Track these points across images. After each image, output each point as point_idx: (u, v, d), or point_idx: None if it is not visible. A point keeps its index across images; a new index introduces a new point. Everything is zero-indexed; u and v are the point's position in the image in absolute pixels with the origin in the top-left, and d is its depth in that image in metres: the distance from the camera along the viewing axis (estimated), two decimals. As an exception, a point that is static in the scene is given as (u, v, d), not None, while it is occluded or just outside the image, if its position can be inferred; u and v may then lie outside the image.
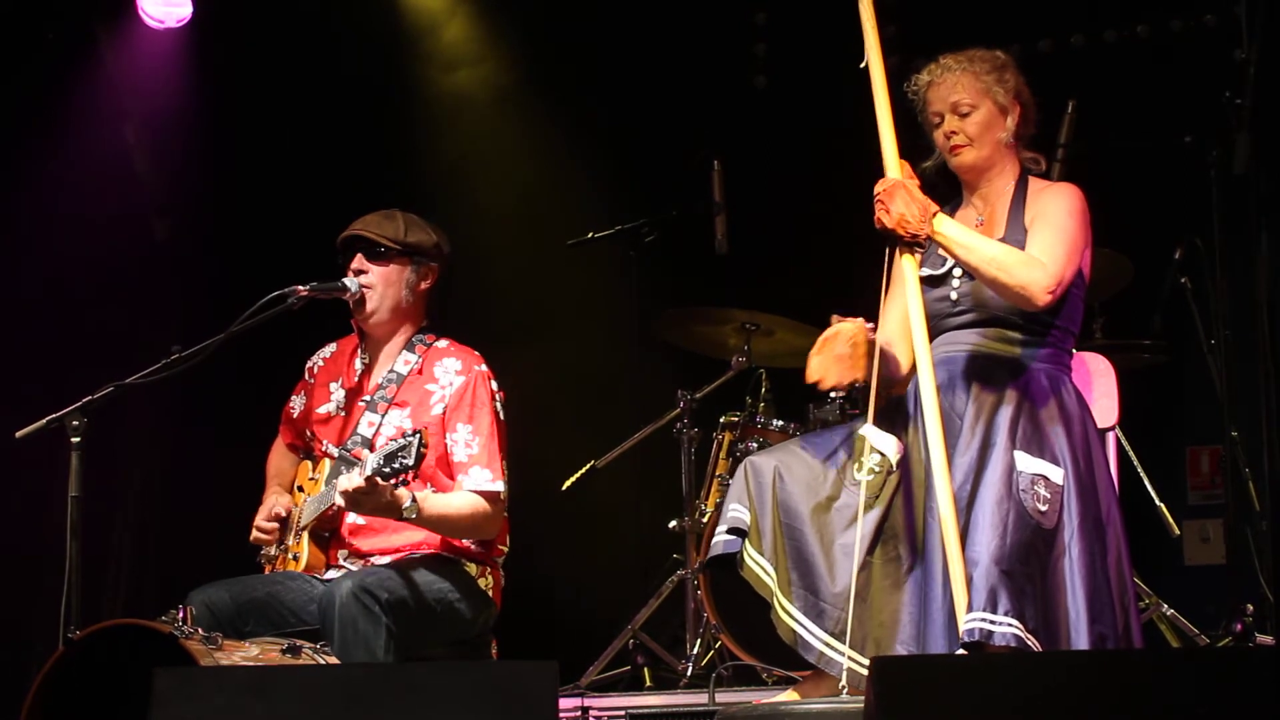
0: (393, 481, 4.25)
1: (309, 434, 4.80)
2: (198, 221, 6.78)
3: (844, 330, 4.05)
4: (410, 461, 4.20)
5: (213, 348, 4.50)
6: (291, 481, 4.82)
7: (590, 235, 6.27)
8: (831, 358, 4.03)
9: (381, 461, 4.23)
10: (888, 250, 4.11)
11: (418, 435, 4.21)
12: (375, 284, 4.67)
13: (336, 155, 6.73)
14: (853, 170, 4.39)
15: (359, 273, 4.67)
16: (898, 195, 3.99)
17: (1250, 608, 5.14)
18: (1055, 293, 3.99)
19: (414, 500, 4.35)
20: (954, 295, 4.15)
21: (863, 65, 4.11)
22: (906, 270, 4.04)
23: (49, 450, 4.65)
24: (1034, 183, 4.24)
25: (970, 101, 4.18)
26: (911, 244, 4.02)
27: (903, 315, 4.14)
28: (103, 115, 6.61)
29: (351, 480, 4.26)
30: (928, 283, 4.12)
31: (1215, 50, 5.83)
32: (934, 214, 3.99)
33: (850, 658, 3.91)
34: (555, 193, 7.01)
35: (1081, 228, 4.11)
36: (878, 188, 4.03)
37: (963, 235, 4.01)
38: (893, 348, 4.19)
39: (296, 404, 4.89)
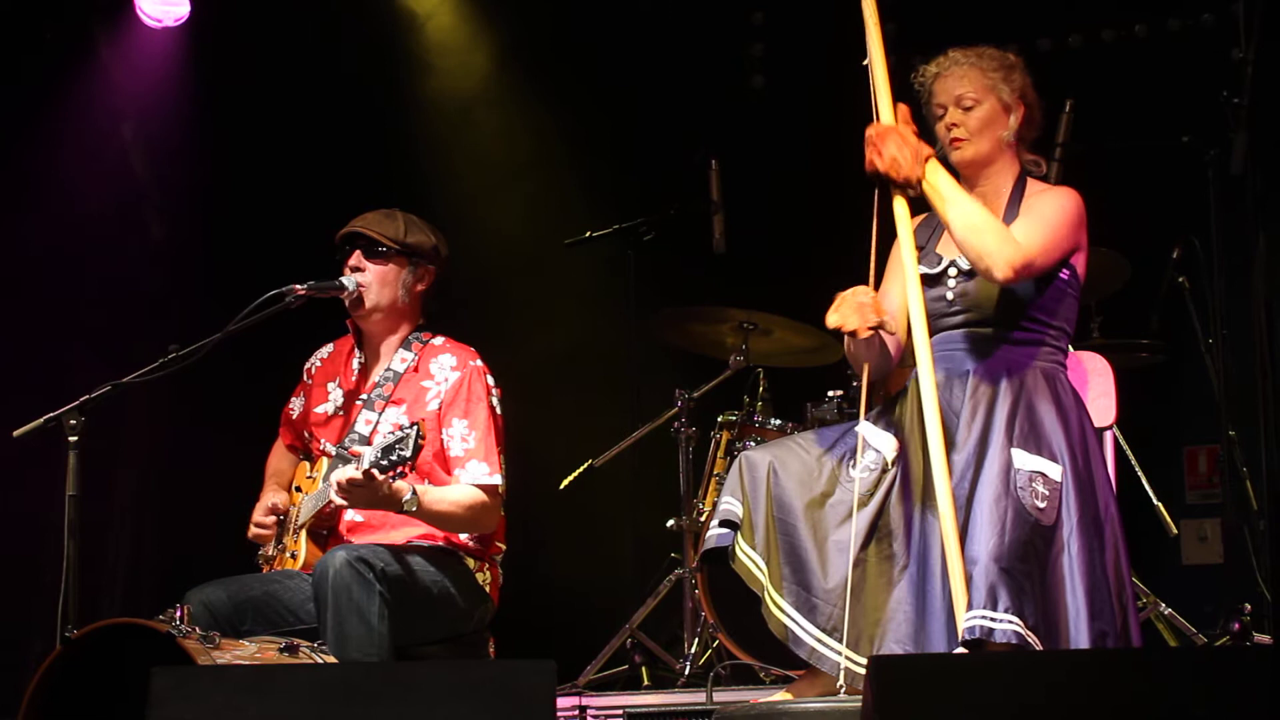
0: (390, 474, 4.26)
1: (307, 434, 4.80)
2: (196, 220, 6.78)
3: (860, 287, 4.04)
4: (408, 454, 4.20)
5: (210, 346, 4.50)
6: (290, 481, 4.82)
7: (588, 235, 6.28)
8: (853, 304, 4.00)
9: (379, 454, 4.24)
10: (875, 241, 4.10)
11: (415, 428, 4.22)
12: (371, 283, 4.67)
13: (335, 154, 6.73)
14: (851, 170, 4.39)
15: (356, 270, 4.68)
16: (890, 138, 3.98)
17: (1248, 607, 5.15)
18: (1019, 272, 3.96)
19: (414, 493, 4.36)
20: (950, 295, 4.14)
21: (865, 63, 4.10)
22: (898, 213, 4.01)
23: (47, 449, 4.64)
24: (1032, 184, 4.22)
25: (974, 96, 4.17)
26: (904, 188, 4.00)
27: (897, 307, 4.15)
28: (101, 114, 6.61)
29: (347, 473, 4.26)
30: (924, 282, 4.11)
31: (1213, 50, 5.84)
32: (927, 157, 3.99)
33: (842, 654, 3.91)
34: (554, 192, 7.01)
35: (1069, 228, 4.09)
36: (870, 130, 4.01)
37: (950, 189, 4.00)
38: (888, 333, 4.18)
39: (295, 405, 4.89)
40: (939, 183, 4.00)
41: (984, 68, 4.18)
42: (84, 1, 6.61)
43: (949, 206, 3.99)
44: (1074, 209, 4.12)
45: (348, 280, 4.66)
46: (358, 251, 4.69)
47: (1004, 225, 4.02)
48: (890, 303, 4.18)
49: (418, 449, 4.22)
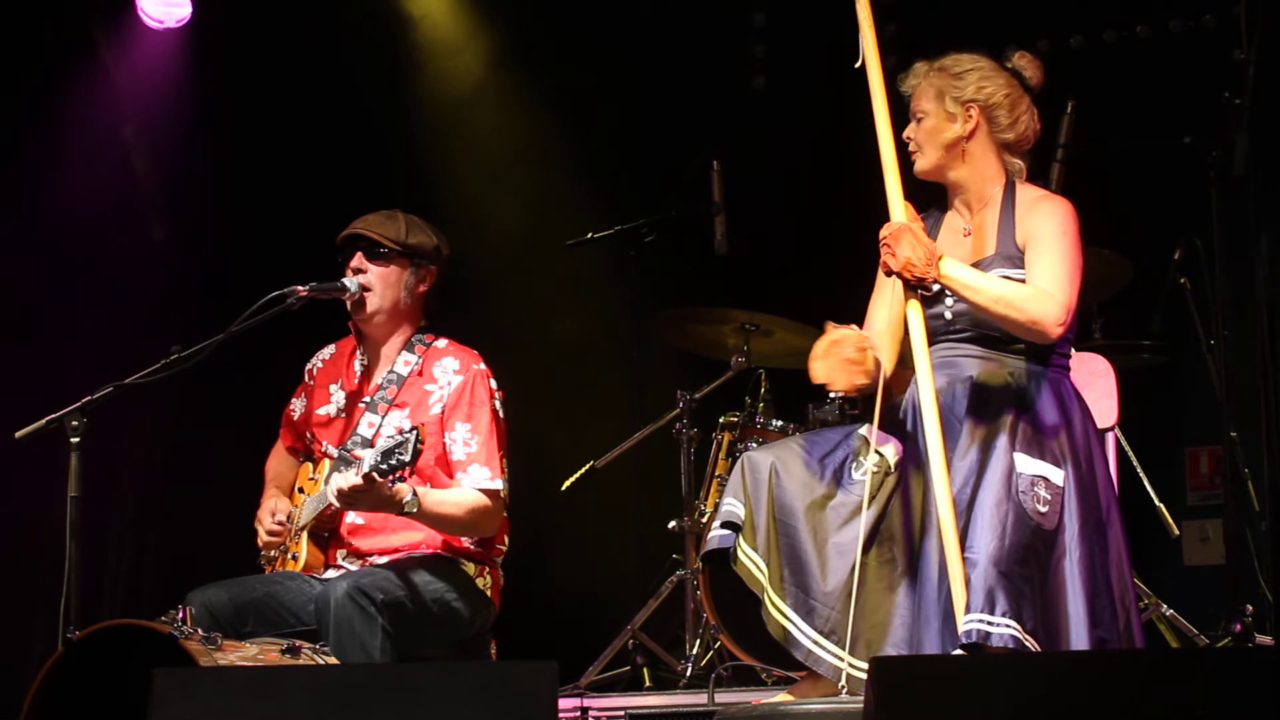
0: (390, 478, 4.26)
1: (309, 436, 4.80)
2: (197, 221, 6.78)
3: (849, 336, 4.04)
4: (407, 458, 4.20)
5: (212, 348, 4.50)
6: (291, 484, 4.82)
7: (590, 236, 6.27)
8: (839, 361, 4.01)
9: (379, 459, 4.24)
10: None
11: (414, 432, 4.22)
12: (374, 284, 4.67)
13: (336, 155, 6.73)
14: (851, 171, 4.39)
15: (358, 271, 4.67)
16: (904, 239, 3.96)
17: (1249, 608, 5.14)
18: (1066, 323, 3.97)
19: (414, 495, 4.36)
20: (948, 314, 4.13)
21: (858, 65, 4.10)
22: (911, 315, 4.01)
23: (49, 450, 4.65)
24: (1022, 190, 4.19)
25: (924, 108, 4.18)
26: (918, 287, 4.00)
27: (892, 317, 4.15)
28: (102, 115, 6.60)
29: (347, 478, 4.26)
30: (921, 301, 4.10)
31: (1214, 50, 5.83)
32: (940, 258, 3.98)
33: (839, 657, 3.91)
34: (555, 193, 7.01)
35: (1078, 245, 4.08)
36: (883, 232, 4.00)
37: (969, 277, 3.99)
38: (879, 348, 4.18)
39: (296, 407, 4.89)
40: (957, 275, 3.98)
41: (932, 78, 4.19)
42: (85, 2, 6.61)
43: (975, 295, 3.98)
44: (1074, 223, 4.10)
45: (349, 282, 4.66)
46: (359, 253, 4.68)
47: (1030, 286, 3.98)
48: (879, 318, 4.18)
49: (417, 453, 4.22)
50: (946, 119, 4.16)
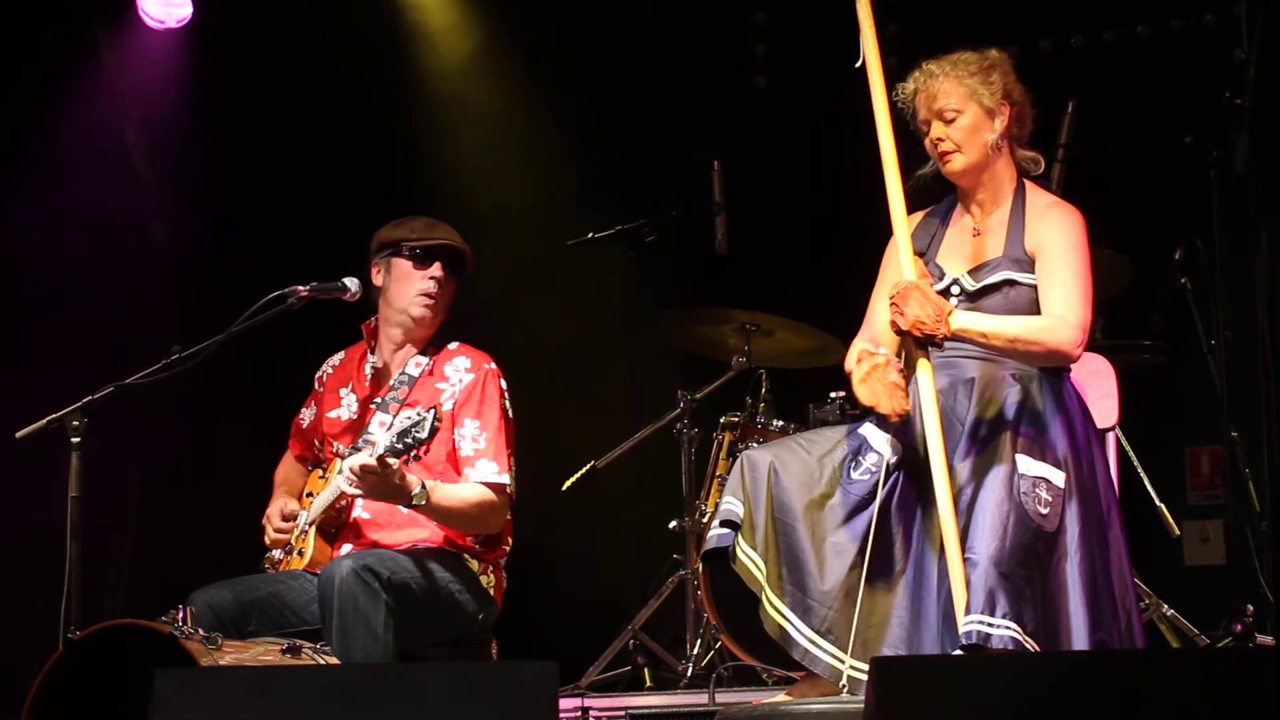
0: (404, 458, 4.25)
1: (318, 441, 4.80)
2: (198, 222, 6.78)
3: (888, 359, 4.03)
4: (424, 435, 4.20)
5: (213, 348, 4.50)
6: (300, 491, 4.81)
7: (590, 235, 6.26)
8: (884, 385, 3.98)
9: (394, 439, 4.24)
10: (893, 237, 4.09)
11: (432, 411, 4.23)
12: (439, 296, 4.69)
13: (338, 156, 6.73)
14: (852, 171, 4.38)
15: (434, 279, 4.68)
16: (911, 298, 3.95)
17: (1250, 608, 5.14)
18: (1083, 342, 3.99)
19: (423, 486, 4.36)
20: (949, 314, 4.13)
21: (859, 64, 4.10)
22: (920, 375, 3.99)
23: (49, 451, 4.64)
24: (1033, 194, 4.19)
25: (955, 107, 4.14)
26: (927, 344, 3.99)
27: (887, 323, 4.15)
28: (102, 116, 6.61)
29: (360, 459, 4.26)
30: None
31: (1215, 51, 5.83)
32: (949, 313, 3.97)
33: (836, 657, 3.92)
34: (556, 193, 7.01)
35: (1087, 257, 4.08)
36: (891, 291, 4.00)
37: (982, 324, 3.99)
38: (879, 347, 4.17)
39: (306, 415, 4.89)
40: (969, 325, 3.98)
41: (960, 75, 4.15)
42: (86, 3, 6.61)
43: (991, 340, 3.99)
44: (1083, 234, 4.09)
45: (350, 281, 4.66)
46: (440, 263, 4.70)
47: (1043, 316, 3.99)
48: (880, 318, 4.18)
49: (434, 432, 4.22)
50: (987, 116, 4.15)
